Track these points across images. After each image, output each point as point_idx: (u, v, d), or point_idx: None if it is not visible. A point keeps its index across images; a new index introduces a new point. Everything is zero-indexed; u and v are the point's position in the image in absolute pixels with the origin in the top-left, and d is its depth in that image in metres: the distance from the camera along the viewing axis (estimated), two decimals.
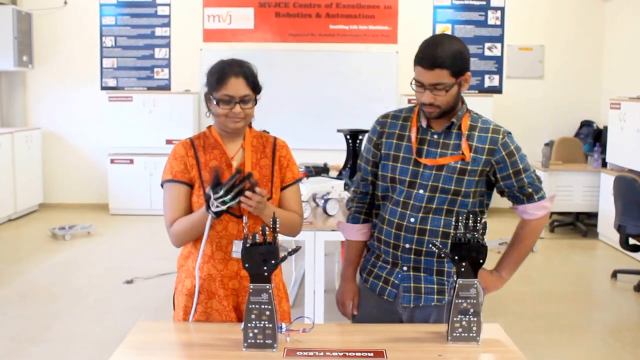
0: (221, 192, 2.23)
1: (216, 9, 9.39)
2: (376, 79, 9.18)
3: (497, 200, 9.05)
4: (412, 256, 2.45)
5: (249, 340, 2.12)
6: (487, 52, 9.40)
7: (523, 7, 9.38)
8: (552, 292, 6.00)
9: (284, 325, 2.19)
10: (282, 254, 2.15)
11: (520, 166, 2.44)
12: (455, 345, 2.18)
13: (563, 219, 8.63)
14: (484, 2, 9.32)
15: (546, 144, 8.16)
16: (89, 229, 7.91)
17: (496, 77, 9.45)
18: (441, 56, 2.29)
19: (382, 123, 2.55)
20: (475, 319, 2.20)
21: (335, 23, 9.38)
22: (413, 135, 2.45)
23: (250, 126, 2.55)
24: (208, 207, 2.28)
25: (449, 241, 2.25)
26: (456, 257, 2.19)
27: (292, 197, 2.57)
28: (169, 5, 9.39)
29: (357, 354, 2.10)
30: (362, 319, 2.62)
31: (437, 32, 9.37)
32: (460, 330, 2.20)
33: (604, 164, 7.96)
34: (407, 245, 2.44)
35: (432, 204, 2.41)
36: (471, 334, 2.20)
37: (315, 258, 4.03)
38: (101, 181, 9.31)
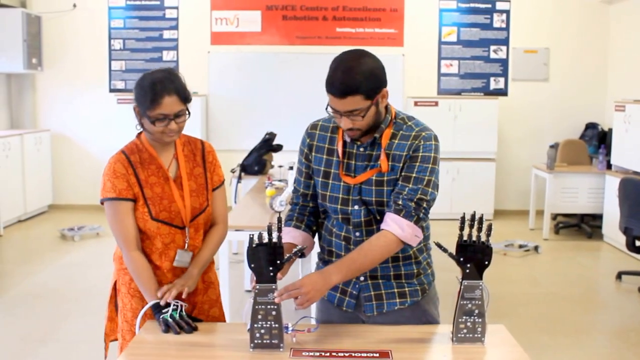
0: (160, 317, 2.34)
1: (224, 12, 9.44)
2: None
3: (502, 203, 9.05)
4: None
5: (256, 341, 2.15)
6: (492, 55, 9.43)
7: (528, 10, 9.41)
8: (556, 293, 6.01)
9: (290, 325, 2.23)
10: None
11: (413, 175, 2.28)
12: (460, 346, 2.21)
13: (568, 221, 8.65)
14: (489, 5, 9.35)
15: (551, 146, 8.17)
16: (97, 230, 7.98)
17: (501, 80, 9.47)
18: (351, 83, 2.16)
19: (311, 135, 2.47)
20: (480, 320, 2.22)
21: (341, 26, 9.43)
22: (340, 150, 2.38)
23: None
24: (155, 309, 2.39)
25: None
26: (461, 259, 2.21)
27: (219, 199, 2.66)
28: (177, 8, 9.45)
29: (363, 354, 2.13)
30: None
31: (443, 36, 9.41)
32: (465, 331, 2.22)
33: (609, 166, 7.97)
34: None
35: (370, 215, 2.35)
36: (476, 335, 2.22)
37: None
38: None
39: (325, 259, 2.50)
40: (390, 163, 2.31)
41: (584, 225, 8.33)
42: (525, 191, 9.13)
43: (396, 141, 2.32)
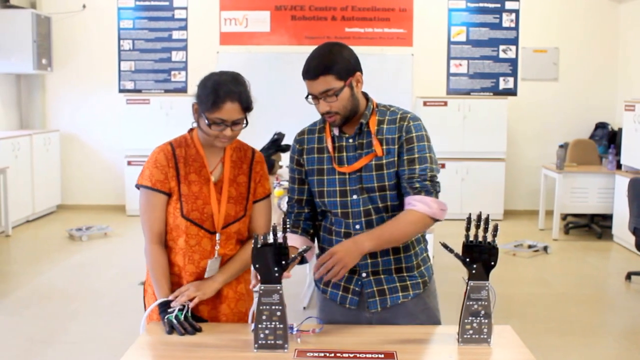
0: (165, 317, 2.33)
1: (233, 12, 9.45)
2: (391, 82, 9.16)
3: (512, 203, 9.02)
4: (369, 260, 2.41)
5: (260, 341, 2.15)
6: (501, 55, 9.40)
7: (538, 9, 9.38)
8: (566, 294, 5.98)
9: (295, 325, 2.23)
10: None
11: (416, 155, 2.37)
12: (466, 347, 2.20)
13: (578, 221, 8.60)
14: (498, 5, 9.32)
15: (560, 146, 8.13)
16: (105, 230, 8.00)
17: (511, 80, 9.43)
18: (321, 64, 2.31)
19: (299, 141, 2.56)
20: (486, 320, 2.20)
21: (350, 26, 9.42)
22: (329, 145, 2.46)
23: None
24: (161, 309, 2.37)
25: None
26: (467, 260, 2.20)
27: (261, 211, 2.59)
28: (186, 8, 9.47)
29: (368, 355, 2.12)
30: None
31: (452, 36, 9.40)
32: (471, 331, 2.21)
33: (619, 166, 7.92)
34: None
35: (369, 205, 2.40)
36: (482, 336, 2.21)
37: None
38: (118, 183, 9.40)
39: None
40: (384, 147, 2.39)
41: (593, 226, 8.29)
42: (534, 191, 9.09)
43: (384, 126, 2.42)
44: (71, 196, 9.69)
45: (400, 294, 2.45)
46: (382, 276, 2.44)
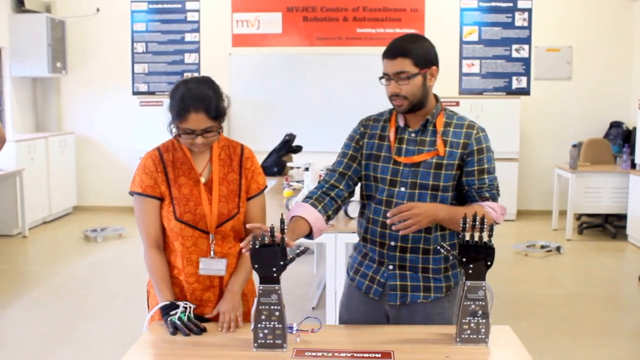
0: (168, 319, 2.35)
1: (245, 14, 9.50)
2: None
3: (525, 203, 8.96)
4: (398, 254, 2.48)
5: (259, 341, 2.17)
6: (514, 54, 9.36)
7: (550, 8, 9.32)
8: (578, 294, 5.95)
9: (294, 325, 2.25)
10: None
11: (486, 166, 2.47)
12: (463, 347, 2.21)
13: (592, 221, 8.55)
14: (511, 4, 9.28)
15: (573, 146, 8.09)
16: (120, 231, 8.08)
17: (524, 79, 9.39)
18: (403, 46, 2.40)
19: (365, 125, 2.61)
20: (484, 320, 2.21)
21: (362, 26, 9.43)
22: (392, 135, 2.52)
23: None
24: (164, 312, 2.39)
25: (431, 235, 2.44)
26: (464, 260, 2.22)
27: (256, 208, 2.60)
28: (198, 11, 9.53)
29: (365, 354, 2.14)
30: (348, 317, 2.65)
31: (464, 35, 9.38)
32: (468, 331, 2.22)
33: (633, 165, 7.87)
34: (393, 243, 2.48)
35: (414, 200, 2.44)
36: (480, 336, 2.22)
37: (337, 260, 4.07)
38: None
39: (360, 246, 2.64)
40: (447, 149, 2.46)
41: (608, 226, 8.23)
42: (548, 191, 9.04)
43: (451, 129, 2.49)
44: (87, 198, 9.79)
45: (422, 294, 2.51)
46: (408, 273, 2.50)
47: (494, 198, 2.49)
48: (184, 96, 2.35)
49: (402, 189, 2.46)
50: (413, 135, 2.50)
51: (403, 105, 2.44)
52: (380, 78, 2.47)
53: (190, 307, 2.39)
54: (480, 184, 2.47)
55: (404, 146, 2.50)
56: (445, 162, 2.44)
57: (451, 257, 2.43)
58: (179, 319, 2.34)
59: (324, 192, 2.56)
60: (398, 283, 2.50)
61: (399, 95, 2.42)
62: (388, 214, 2.31)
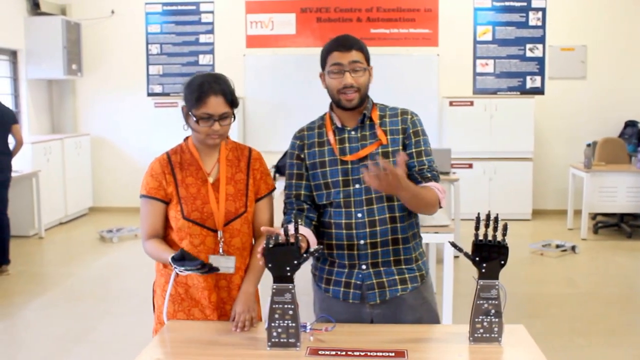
0: (181, 268, 2.28)
1: (259, 15, 9.53)
2: (417, 82, 9.19)
3: (540, 203, 8.90)
4: (369, 251, 2.47)
5: (273, 339, 2.19)
6: (528, 54, 9.33)
7: (564, 7, 9.28)
8: (593, 294, 5.92)
9: (308, 324, 2.27)
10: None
11: (423, 148, 2.52)
12: (476, 346, 2.21)
13: (607, 220, 8.50)
14: (524, 3, 9.25)
15: (588, 145, 8.05)
16: (136, 232, 8.12)
17: (538, 78, 9.36)
18: (357, 41, 2.48)
19: (299, 137, 2.62)
20: (497, 319, 2.21)
21: (376, 27, 9.43)
22: (331, 137, 2.54)
23: (227, 136, 2.59)
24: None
25: (397, 225, 2.47)
26: (477, 259, 2.22)
27: (264, 208, 2.64)
28: (212, 12, 9.58)
29: (379, 353, 2.15)
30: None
31: (478, 35, 9.36)
32: (481, 331, 2.22)
33: None
34: (362, 242, 2.47)
35: (371, 194, 2.46)
36: (493, 335, 2.22)
37: None
38: None
39: (324, 255, 2.56)
40: (388, 137, 2.50)
41: (623, 225, 8.19)
42: (563, 190, 9.00)
43: (387, 119, 2.55)
44: (102, 198, 9.86)
45: (399, 287, 2.50)
46: (382, 269, 2.49)
47: (435, 178, 2.50)
48: (203, 82, 2.44)
49: (357, 185, 2.47)
50: (353, 133, 2.53)
51: (354, 98, 2.46)
52: (328, 72, 2.48)
53: (202, 265, 2.30)
54: (420, 166, 2.49)
55: (347, 145, 2.52)
56: (390, 149, 2.48)
57: (464, 255, 2.41)
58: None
59: (297, 214, 2.53)
60: (374, 281, 2.49)
61: (353, 86, 2.44)
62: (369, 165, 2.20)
